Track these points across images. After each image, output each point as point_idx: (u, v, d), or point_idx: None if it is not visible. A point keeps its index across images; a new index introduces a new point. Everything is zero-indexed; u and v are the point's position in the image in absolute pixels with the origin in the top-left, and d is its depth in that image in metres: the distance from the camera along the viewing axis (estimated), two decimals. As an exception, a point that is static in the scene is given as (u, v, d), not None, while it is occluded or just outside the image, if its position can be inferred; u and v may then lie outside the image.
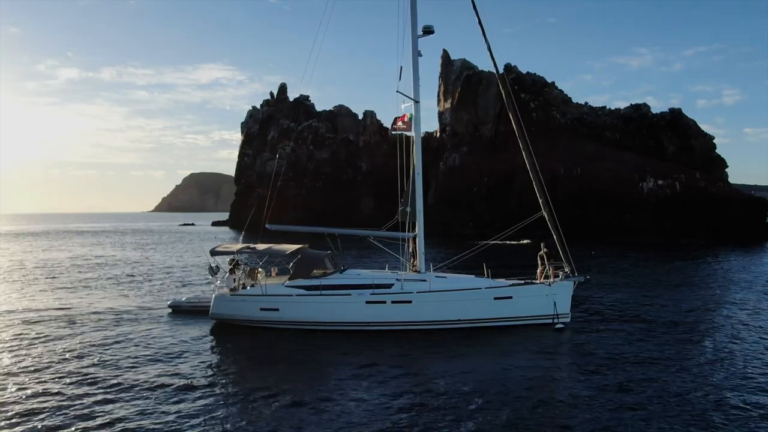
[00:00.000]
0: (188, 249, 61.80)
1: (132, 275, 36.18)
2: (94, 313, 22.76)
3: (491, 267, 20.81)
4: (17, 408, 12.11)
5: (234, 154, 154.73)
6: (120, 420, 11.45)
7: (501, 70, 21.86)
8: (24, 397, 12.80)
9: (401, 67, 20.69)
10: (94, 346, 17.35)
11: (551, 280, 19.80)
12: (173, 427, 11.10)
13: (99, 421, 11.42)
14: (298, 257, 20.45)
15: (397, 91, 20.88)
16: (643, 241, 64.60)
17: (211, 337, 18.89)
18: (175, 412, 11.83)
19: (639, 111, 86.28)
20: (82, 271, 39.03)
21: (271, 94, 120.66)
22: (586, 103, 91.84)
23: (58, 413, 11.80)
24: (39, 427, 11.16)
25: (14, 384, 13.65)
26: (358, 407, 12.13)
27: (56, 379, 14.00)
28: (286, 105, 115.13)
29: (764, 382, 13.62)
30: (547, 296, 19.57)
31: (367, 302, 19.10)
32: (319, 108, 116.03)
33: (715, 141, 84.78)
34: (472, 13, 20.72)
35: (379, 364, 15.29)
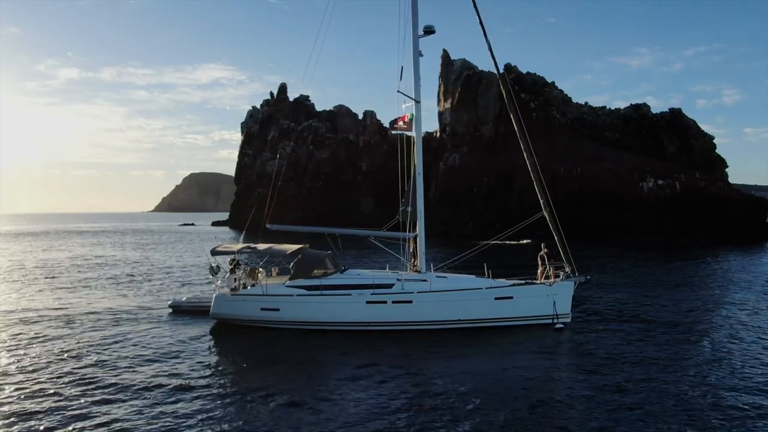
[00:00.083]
0: (188, 249, 61.79)
1: (132, 275, 36.17)
2: (94, 313, 22.75)
3: (492, 267, 20.81)
4: (16, 408, 12.11)
5: (234, 154, 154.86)
6: (119, 420, 11.44)
7: (501, 70, 21.85)
8: (23, 396, 12.80)
9: (402, 67, 20.72)
10: (93, 346, 17.35)
11: (552, 280, 19.81)
12: (173, 427, 11.09)
13: (97, 421, 11.42)
14: (299, 257, 20.45)
15: (398, 91, 20.90)
16: (643, 241, 64.61)
17: (212, 337, 18.89)
18: (175, 412, 11.82)
19: (639, 111, 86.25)
20: (81, 271, 39.02)
21: (271, 94, 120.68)
22: (586, 103, 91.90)
23: (56, 413, 11.79)
24: (38, 427, 11.15)
25: (14, 384, 13.64)
26: (357, 407, 12.13)
27: (54, 379, 13.99)
28: (286, 105, 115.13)
29: (762, 383, 13.62)
30: (548, 296, 19.58)
31: (368, 302, 19.10)
32: (319, 108, 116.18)
33: (715, 141, 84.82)
34: (472, 13, 20.72)
35: (379, 364, 15.29)
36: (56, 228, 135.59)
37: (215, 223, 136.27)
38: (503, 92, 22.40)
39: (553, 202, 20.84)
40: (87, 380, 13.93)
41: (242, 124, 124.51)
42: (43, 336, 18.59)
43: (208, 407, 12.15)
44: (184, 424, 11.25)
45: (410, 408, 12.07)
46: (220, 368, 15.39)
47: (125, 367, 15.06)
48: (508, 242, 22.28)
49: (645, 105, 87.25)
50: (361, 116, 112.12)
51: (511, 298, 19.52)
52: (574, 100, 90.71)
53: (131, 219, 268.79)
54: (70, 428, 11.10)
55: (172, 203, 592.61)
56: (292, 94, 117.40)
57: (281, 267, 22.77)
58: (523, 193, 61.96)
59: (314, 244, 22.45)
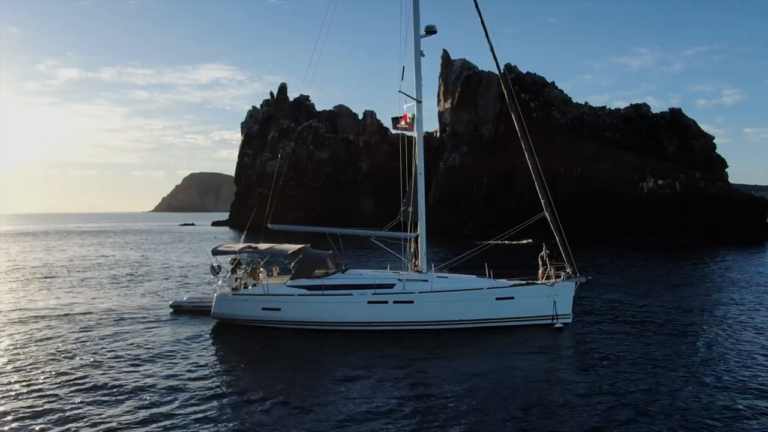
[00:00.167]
0: (188, 249, 61.79)
1: (132, 275, 36.17)
2: (94, 313, 22.75)
3: (492, 267, 20.82)
4: (15, 407, 12.11)
5: (234, 154, 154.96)
6: (119, 420, 11.45)
7: (502, 70, 21.86)
8: (22, 396, 12.81)
9: (404, 67, 20.71)
10: (94, 346, 17.35)
11: (553, 280, 19.82)
12: (173, 427, 11.11)
13: (96, 420, 11.43)
14: (300, 257, 20.45)
15: (400, 91, 20.91)
16: (643, 241, 64.65)
17: (213, 337, 18.89)
18: (176, 412, 11.83)
19: (639, 111, 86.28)
20: (81, 271, 39.02)
21: (271, 94, 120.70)
22: (586, 103, 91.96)
23: (55, 413, 11.80)
24: (37, 428, 11.16)
25: (14, 384, 13.65)
26: (358, 407, 12.14)
27: (54, 380, 13.99)
28: (286, 105, 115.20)
29: (760, 383, 13.64)
30: (549, 297, 19.59)
31: (369, 302, 19.11)
32: (319, 108, 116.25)
33: (715, 141, 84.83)
34: (472, 13, 20.73)
35: (380, 365, 15.31)
36: (56, 228, 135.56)
37: (215, 223, 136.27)
38: (504, 92, 22.41)
39: (553, 202, 20.86)
40: (87, 380, 13.93)
41: (242, 124, 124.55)
42: (43, 336, 18.59)
43: (208, 407, 12.16)
44: (185, 423, 11.26)
45: (410, 408, 12.08)
46: (221, 368, 15.40)
47: (127, 367, 15.06)
48: (508, 242, 22.27)
49: (645, 105, 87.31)
50: (361, 116, 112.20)
51: (513, 298, 19.53)
52: (574, 100, 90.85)
53: (131, 219, 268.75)
54: (70, 428, 11.11)
55: (172, 203, 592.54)
56: (292, 94, 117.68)
57: (282, 267, 22.79)
58: (523, 193, 62.03)
59: (315, 244, 22.45)
